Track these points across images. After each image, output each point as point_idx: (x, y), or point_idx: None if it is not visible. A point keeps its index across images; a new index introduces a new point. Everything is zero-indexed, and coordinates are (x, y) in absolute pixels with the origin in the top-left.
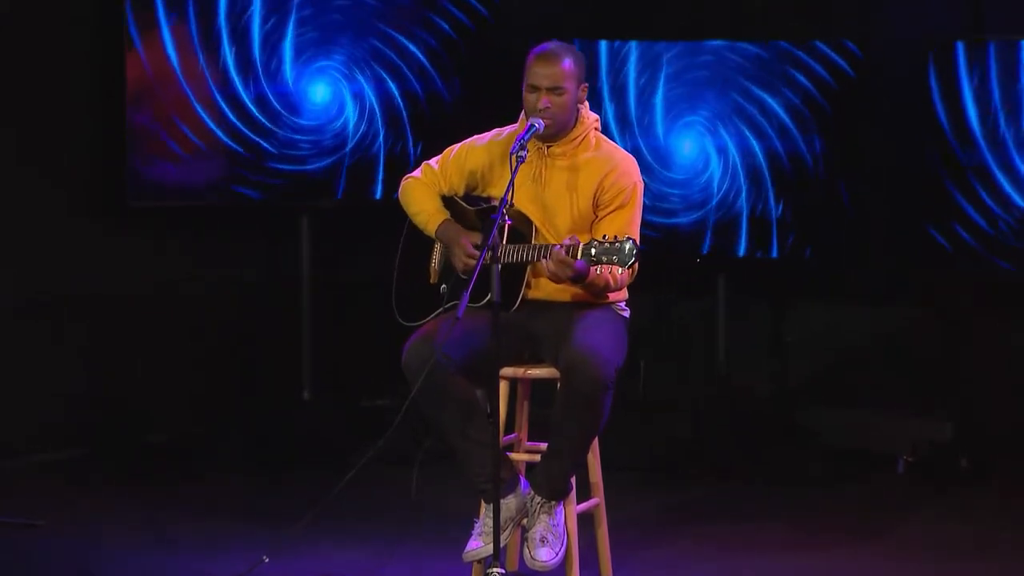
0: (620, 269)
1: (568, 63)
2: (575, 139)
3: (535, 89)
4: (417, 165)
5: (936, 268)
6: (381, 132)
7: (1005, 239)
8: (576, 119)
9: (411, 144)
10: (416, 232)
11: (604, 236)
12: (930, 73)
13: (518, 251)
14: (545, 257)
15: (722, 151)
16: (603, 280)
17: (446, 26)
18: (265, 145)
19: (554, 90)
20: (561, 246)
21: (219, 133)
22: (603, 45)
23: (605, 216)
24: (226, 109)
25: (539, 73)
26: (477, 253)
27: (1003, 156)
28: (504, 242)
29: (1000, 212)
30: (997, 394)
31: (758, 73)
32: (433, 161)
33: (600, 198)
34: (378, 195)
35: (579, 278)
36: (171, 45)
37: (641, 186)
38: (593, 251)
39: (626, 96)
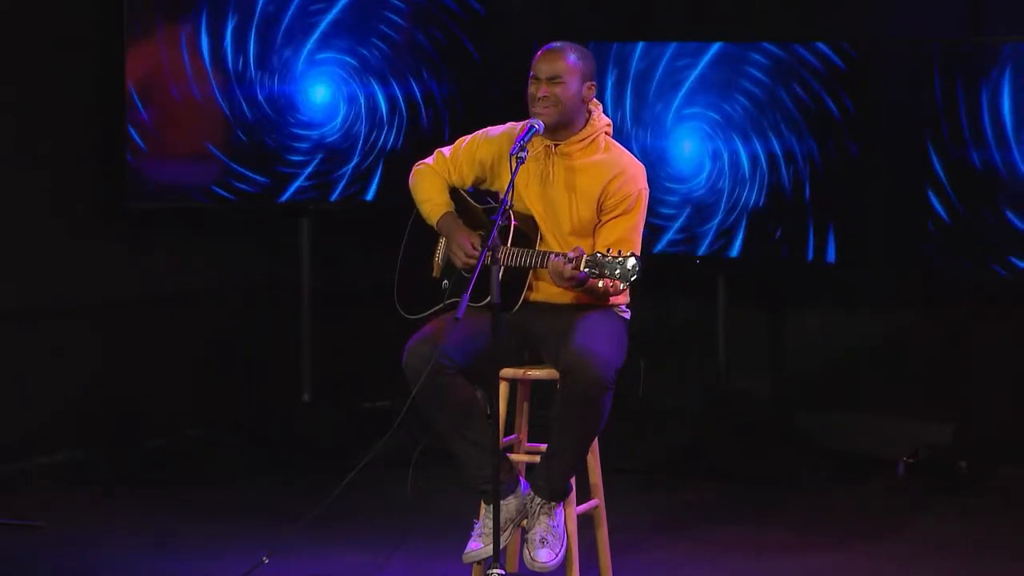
0: (622, 284)
1: (571, 57)
2: (584, 140)
3: (535, 80)
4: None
5: (936, 270)
6: (381, 134)
7: (1006, 239)
8: (586, 120)
9: (411, 146)
10: (421, 223)
11: (608, 250)
12: (932, 73)
13: (520, 255)
14: (544, 265)
15: (722, 153)
16: (602, 288)
17: (444, 29)
18: (265, 146)
19: (552, 79)
20: (562, 255)
21: (220, 133)
22: (612, 47)
23: (607, 221)
24: (226, 110)
25: (540, 65)
26: (476, 252)
27: (1006, 156)
28: (508, 244)
29: (1002, 213)
30: (997, 397)
31: (755, 74)
32: (446, 149)
33: (604, 202)
34: (378, 197)
35: (577, 284)
36: (172, 46)
37: (646, 194)
38: (595, 264)
39: (624, 97)
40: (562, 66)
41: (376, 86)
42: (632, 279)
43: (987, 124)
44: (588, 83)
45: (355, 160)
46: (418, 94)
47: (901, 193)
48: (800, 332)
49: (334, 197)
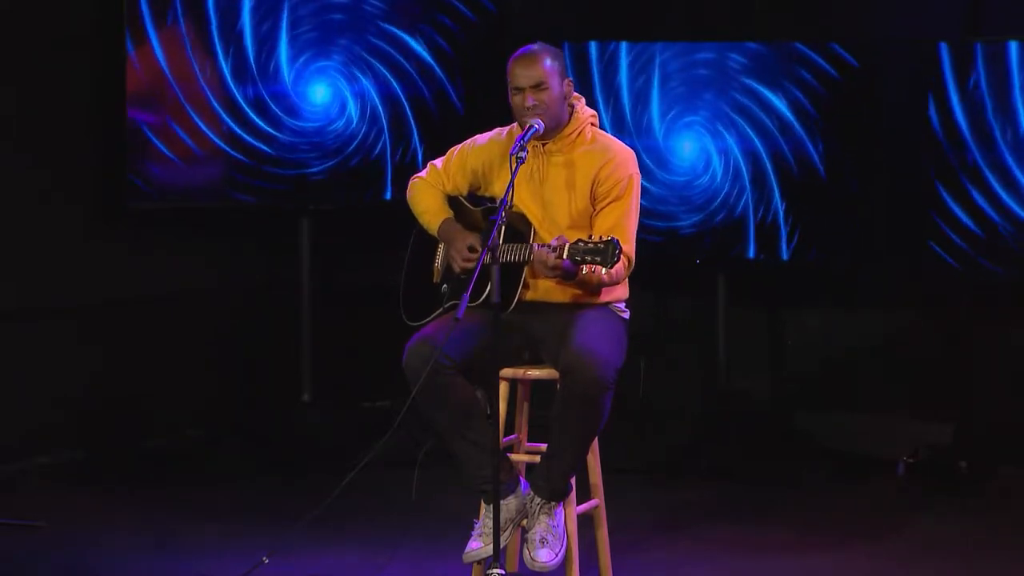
0: (604, 269)
1: (547, 60)
2: (570, 135)
3: (519, 90)
4: (423, 166)
5: (936, 271)
6: (379, 133)
7: (999, 241)
8: (570, 116)
9: (408, 146)
10: (424, 233)
11: (590, 236)
12: (932, 73)
13: (511, 251)
14: (531, 258)
15: (721, 153)
16: (596, 276)
17: (441, 28)
18: (265, 147)
19: (537, 87)
20: (546, 246)
21: (220, 133)
22: (594, 46)
23: (601, 209)
24: (227, 109)
25: (520, 75)
26: (472, 255)
27: (998, 158)
28: (501, 242)
29: (996, 215)
30: (997, 397)
31: (755, 74)
32: (438, 161)
33: (596, 191)
34: (379, 197)
35: (567, 276)
36: (172, 46)
37: (638, 178)
38: (578, 251)
39: (622, 97)
40: (542, 71)
41: (375, 85)
42: (613, 263)
43: (988, 124)
44: (566, 80)
45: (356, 161)
46: (413, 93)
47: (901, 193)
48: (800, 332)
49: (335, 197)
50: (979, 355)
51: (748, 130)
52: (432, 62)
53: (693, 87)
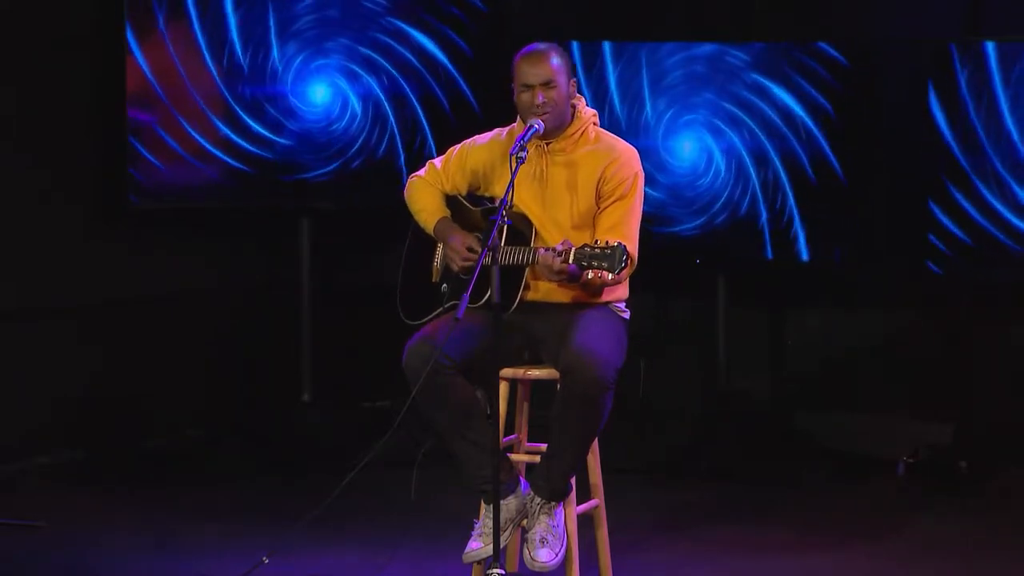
0: (610, 275)
1: (555, 59)
2: (573, 135)
3: (528, 88)
4: (421, 164)
5: (936, 271)
6: (384, 132)
7: (990, 243)
8: (573, 115)
9: (415, 142)
10: (421, 231)
11: (596, 241)
12: (932, 73)
13: (514, 253)
14: (535, 261)
15: (723, 151)
16: (593, 280)
17: (449, 20)
18: (265, 148)
19: (546, 85)
20: (551, 250)
21: (220, 133)
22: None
23: (605, 207)
24: (226, 113)
25: (529, 72)
26: (471, 254)
27: (985, 162)
28: (503, 243)
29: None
30: (997, 397)
31: (756, 69)
32: (437, 160)
33: (602, 189)
34: (378, 197)
35: (572, 280)
36: (172, 47)
37: (642, 176)
38: (584, 256)
39: (615, 99)
40: (551, 69)
41: (372, 84)
42: (620, 269)
43: (986, 124)
44: (572, 79)
45: (355, 161)
46: (411, 93)
47: (901, 193)
48: (800, 332)
49: (335, 197)
50: (979, 355)
51: (752, 126)
52: (442, 57)
53: (689, 88)
